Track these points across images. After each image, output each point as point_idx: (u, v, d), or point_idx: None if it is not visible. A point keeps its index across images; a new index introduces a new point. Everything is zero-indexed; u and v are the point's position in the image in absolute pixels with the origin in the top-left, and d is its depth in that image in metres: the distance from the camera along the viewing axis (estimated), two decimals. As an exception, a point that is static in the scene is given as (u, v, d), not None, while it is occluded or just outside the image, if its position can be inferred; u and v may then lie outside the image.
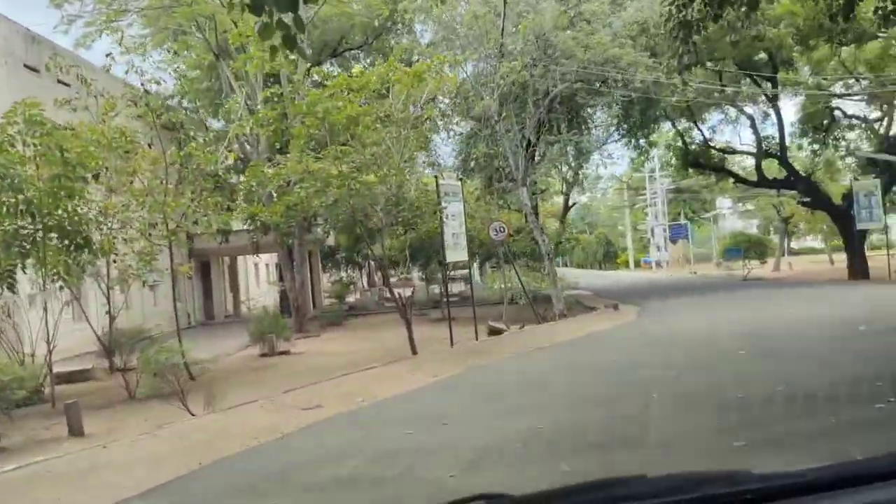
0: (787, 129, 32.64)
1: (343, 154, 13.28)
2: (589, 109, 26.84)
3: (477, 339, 16.17)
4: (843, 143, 35.47)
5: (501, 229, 17.96)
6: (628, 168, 72.77)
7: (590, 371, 10.17)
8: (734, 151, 33.13)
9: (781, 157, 30.14)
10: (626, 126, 29.16)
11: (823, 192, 31.17)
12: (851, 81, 31.08)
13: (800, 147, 35.39)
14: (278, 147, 16.77)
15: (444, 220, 15.41)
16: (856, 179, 27.81)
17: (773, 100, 28.65)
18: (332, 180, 12.90)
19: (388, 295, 37.35)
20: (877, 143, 30.70)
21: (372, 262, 43.39)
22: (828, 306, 17.71)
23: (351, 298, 37.90)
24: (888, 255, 27.24)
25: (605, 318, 18.59)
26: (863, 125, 33.69)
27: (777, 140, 31.16)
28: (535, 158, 25.51)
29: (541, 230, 19.59)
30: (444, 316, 24.86)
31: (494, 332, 17.54)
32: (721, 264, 41.04)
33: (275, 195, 13.59)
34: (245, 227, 18.79)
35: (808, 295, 22.66)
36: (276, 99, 14.79)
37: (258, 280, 41.04)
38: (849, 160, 36.02)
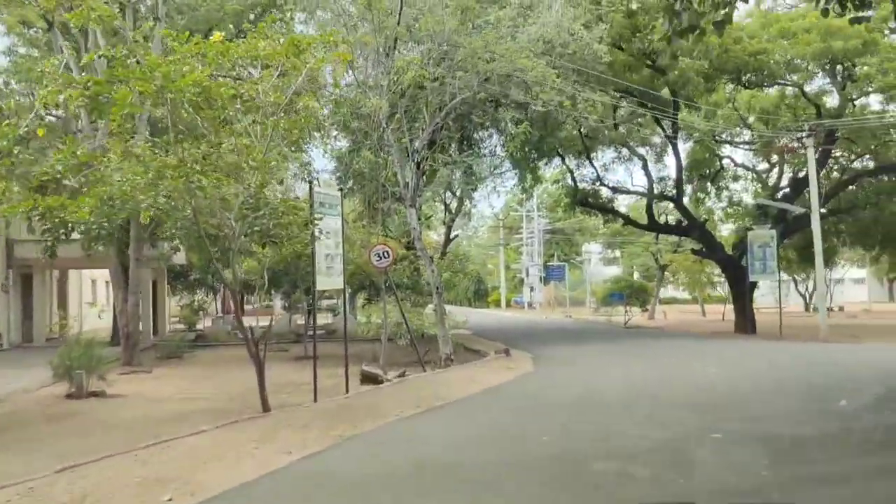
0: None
1: (190, 141, 9.94)
2: (483, 132, 24.50)
3: (348, 389, 12.93)
4: (727, 193, 34.94)
5: (385, 254, 14.90)
6: (505, 206, 72.05)
7: (518, 458, 7.13)
8: (627, 191, 31.69)
9: (677, 200, 28.79)
10: (518, 155, 26.88)
11: (718, 240, 30.09)
12: (739, 128, 30.36)
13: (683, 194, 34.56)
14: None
15: (318, 236, 12.21)
16: (750, 229, 26.75)
17: (672, 138, 27.27)
18: (166, 171, 9.46)
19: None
20: (767, 194, 30.02)
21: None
22: (750, 365, 15.72)
23: (202, 326, 33.60)
24: (780, 309, 26.24)
25: (499, 367, 15.80)
26: (752, 176, 33.22)
27: (672, 182, 30.01)
28: (425, 179, 22.81)
29: (430, 259, 16.68)
30: (307, 353, 21.47)
31: (369, 378, 14.35)
32: (599, 309, 39.75)
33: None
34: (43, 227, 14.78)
35: (711, 350, 20.85)
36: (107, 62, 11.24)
37: (96, 298, 35.99)
38: (733, 209, 35.41)
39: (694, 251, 32.58)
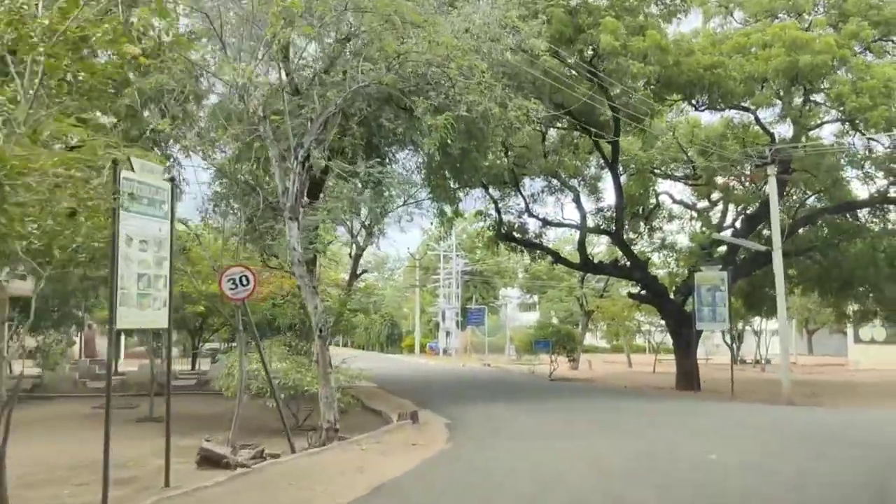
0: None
1: None
2: (395, 146, 20.48)
3: (167, 482, 8.44)
4: (660, 234, 31.79)
5: (243, 281, 10.49)
6: (422, 245, 68.03)
7: None
8: (559, 224, 27.99)
9: (616, 234, 25.24)
10: (435, 178, 22.90)
11: (661, 283, 26.61)
12: (680, 162, 27.19)
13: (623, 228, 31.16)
14: None
15: (122, 243, 7.85)
16: (698, 269, 23.38)
17: (612, 164, 23.83)
18: None
19: (99, 371, 27.88)
20: (710, 233, 26.90)
21: (93, 324, 33.46)
22: (749, 443, 11.63)
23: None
24: (732, 365, 22.94)
25: (401, 442, 11.48)
26: (690, 215, 30.16)
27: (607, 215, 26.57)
28: (324, 196, 18.65)
29: (313, 291, 12.31)
30: (151, 414, 16.85)
31: (210, 461, 9.85)
32: (521, 357, 35.90)
33: None
34: None
35: (669, 414, 16.92)
36: None
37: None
38: (666, 252, 32.19)
39: (631, 295, 29.06)
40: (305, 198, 20.55)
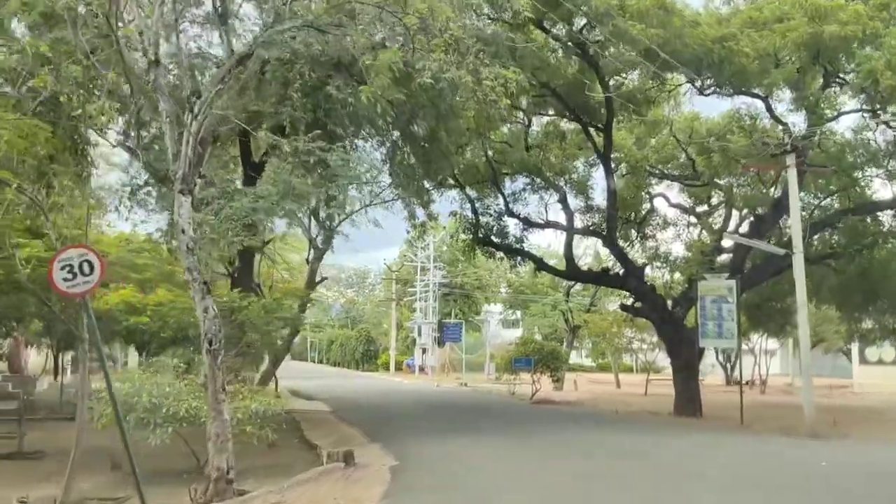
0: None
1: None
2: (350, 127, 17.38)
3: None
4: (653, 242, 28.73)
5: (85, 268, 7.25)
6: (399, 257, 64.79)
7: None
8: (544, 225, 24.74)
9: (608, 237, 22.11)
10: (401, 170, 19.79)
11: (660, 293, 23.43)
12: (682, 159, 24.19)
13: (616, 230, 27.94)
14: None
15: None
16: (701, 278, 20.27)
17: (604, 156, 20.79)
18: None
19: (13, 389, 24.36)
20: (714, 239, 23.92)
21: (18, 335, 30.01)
22: None
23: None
24: (741, 387, 19.82)
25: (315, 501, 8.23)
26: (687, 220, 27.15)
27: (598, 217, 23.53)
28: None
29: (204, 288, 9.03)
30: (19, 447, 13.53)
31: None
32: (501, 376, 32.63)
33: None
34: None
35: (681, 452, 13.73)
36: None
37: None
38: (661, 262, 29.08)
39: (624, 307, 25.96)
40: (240, 180, 17.38)
